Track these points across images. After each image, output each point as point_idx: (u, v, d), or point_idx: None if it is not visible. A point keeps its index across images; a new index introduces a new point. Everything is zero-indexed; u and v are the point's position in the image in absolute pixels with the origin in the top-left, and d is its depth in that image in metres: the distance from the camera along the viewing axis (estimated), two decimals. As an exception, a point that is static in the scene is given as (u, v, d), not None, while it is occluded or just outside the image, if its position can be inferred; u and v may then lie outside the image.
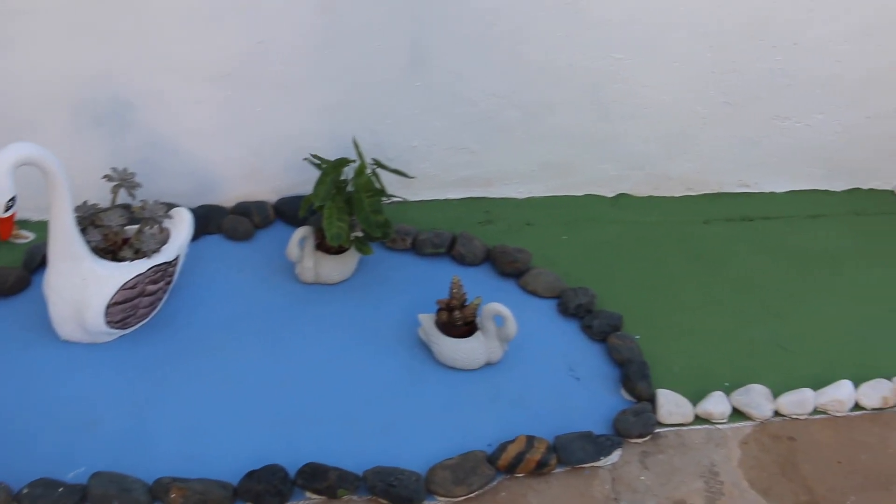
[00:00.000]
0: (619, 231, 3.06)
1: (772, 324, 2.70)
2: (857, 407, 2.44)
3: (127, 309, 2.32)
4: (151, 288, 2.36)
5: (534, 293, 2.73)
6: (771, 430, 2.34)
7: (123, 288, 2.28)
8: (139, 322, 2.40)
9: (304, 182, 2.89)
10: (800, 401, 2.39)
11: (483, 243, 2.85)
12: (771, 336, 2.65)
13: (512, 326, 2.38)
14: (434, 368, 2.42)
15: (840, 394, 2.42)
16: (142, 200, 2.42)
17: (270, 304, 2.58)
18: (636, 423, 2.27)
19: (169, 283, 2.44)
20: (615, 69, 2.93)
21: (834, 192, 3.43)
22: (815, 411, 2.41)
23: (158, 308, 2.45)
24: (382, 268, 2.76)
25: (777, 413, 2.38)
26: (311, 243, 2.63)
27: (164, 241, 2.42)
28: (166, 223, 2.46)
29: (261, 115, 2.76)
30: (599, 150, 3.12)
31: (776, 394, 2.41)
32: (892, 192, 3.49)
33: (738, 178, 3.32)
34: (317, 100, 2.80)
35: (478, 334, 2.41)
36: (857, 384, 2.46)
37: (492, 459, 2.14)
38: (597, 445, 2.20)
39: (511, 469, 2.13)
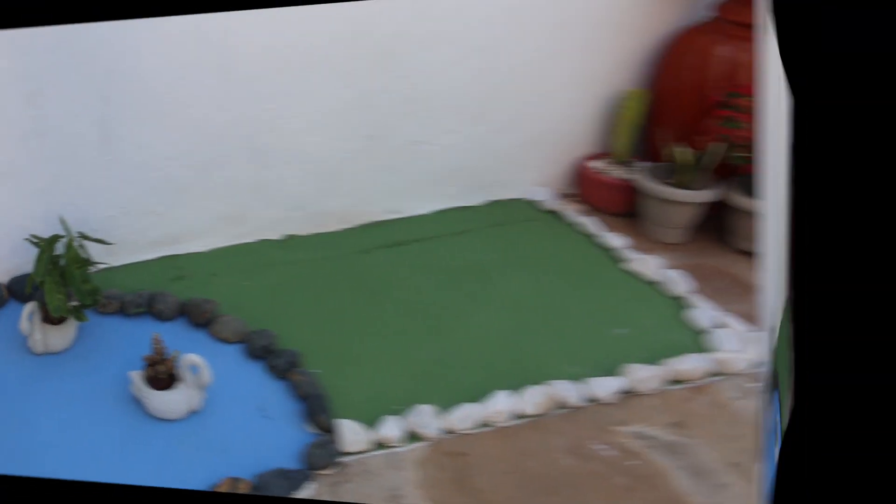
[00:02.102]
0: (291, 271, 3.20)
1: (434, 342, 2.86)
2: (519, 415, 2.54)
3: None
4: None
5: (224, 340, 2.86)
6: (444, 448, 2.45)
7: None
8: None
9: (32, 261, 2.94)
10: (465, 416, 2.51)
11: (177, 298, 2.98)
12: (435, 354, 2.81)
13: (205, 374, 2.55)
14: (148, 423, 2.53)
15: (500, 405, 2.53)
16: None
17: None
18: (322, 454, 2.40)
19: None
20: (268, 118, 3.09)
21: (474, 206, 3.65)
22: (482, 424, 2.51)
23: None
24: (98, 333, 2.87)
25: (448, 430, 2.49)
26: (38, 317, 2.79)
27: None
28: None
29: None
30: (264, 196, 3.27)
31: (444, 411, 2.54)
32: (523, 199, 3.83)
33: (387, 206, 3.51)
34: (31, 184, 2.94)
35: (179, 385, 2.56)
36: (515, 392, 2.58)
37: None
38: (290, 480, 2.32)
39: (219, 515, 2.21)
